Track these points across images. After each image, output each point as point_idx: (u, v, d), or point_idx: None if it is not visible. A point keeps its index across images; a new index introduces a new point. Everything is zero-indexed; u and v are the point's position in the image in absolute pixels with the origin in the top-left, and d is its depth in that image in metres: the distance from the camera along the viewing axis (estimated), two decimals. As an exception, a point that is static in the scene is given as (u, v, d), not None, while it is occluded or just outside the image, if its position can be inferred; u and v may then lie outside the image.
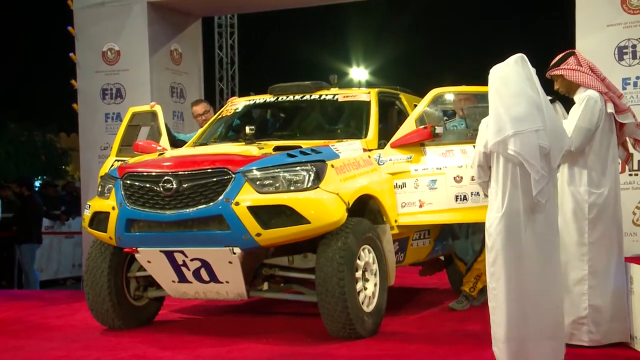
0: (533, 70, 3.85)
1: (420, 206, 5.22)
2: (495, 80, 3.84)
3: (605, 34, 6.22)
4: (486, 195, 3.96)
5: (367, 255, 4.79)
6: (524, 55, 3.87)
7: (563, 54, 4.38)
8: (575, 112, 4.25)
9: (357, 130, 5.52)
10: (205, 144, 5.70)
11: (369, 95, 5.69)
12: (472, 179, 5.10)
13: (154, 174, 4.75)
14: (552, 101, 5.52)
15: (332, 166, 4.72)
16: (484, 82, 5.85)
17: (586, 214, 4.19)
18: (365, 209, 5.08)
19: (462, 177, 5.18)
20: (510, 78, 3.78)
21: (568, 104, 4.53)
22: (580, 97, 4.25)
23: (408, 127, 5.31)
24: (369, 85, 22.47)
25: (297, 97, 5.86)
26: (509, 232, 3.75)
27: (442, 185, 5.21)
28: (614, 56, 6.17)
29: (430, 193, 5.23)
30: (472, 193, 5.14)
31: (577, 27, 6.29)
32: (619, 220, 4.29)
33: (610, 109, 4.19)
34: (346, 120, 5.85)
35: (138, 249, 4.77)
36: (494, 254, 3.78)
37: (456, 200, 5.17)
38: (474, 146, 5.47)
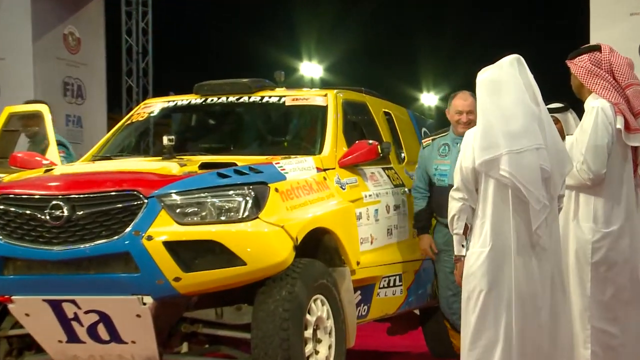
0: (531, 76, 3.94)
1: (371, 242, 5.40)
2: (486, 85, 3.93)
3: (627, 25, 6.37)
4: (458, 227, 4.00)
5: (319, 309, 4.79)
6: (521, 57, 3.97)
7: (585, 46, 4.48)
8: (584, 126, 4.32)
9: (309, 144, 5.56)
10: (109, 159, 5.65)
11: (326, 99, 5.73)
12: (396, 208, 5.62)
13: (37, 197, 4.68)
14: (564, 109, 5.66)
15: (276, 190, 4.73)
16: (465, 83, 5.91)
17: (589, 258, 4.28)
18: (319, 247, 5.10)
19: (389, 206, 5.65)
20: (505, 84, 3.89)
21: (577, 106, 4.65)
22: (588, 108, 4.33)
23: (340, 141, 5.52)
24: (324, 84, 22.70)
25: (232, 98, 5.86)
26: (497, 273, 3.82)
27: (382, 216, 5.57)
28: (638, 52, 6.30)
29: (376, 226, 5.50)
30: (395, 226, 5.66)
31: (592, 17, 6.45)
32: (635, 268, 4.35)
33: (620, 123, 4.29)
34: (295, 131, 5.90)
35: (13, 297, 4.67)
36: (479, 300, 3.84)
37: (388, 234, 5.63)
38: (383, 168, 5.78)
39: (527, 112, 3.87)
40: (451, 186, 4.05)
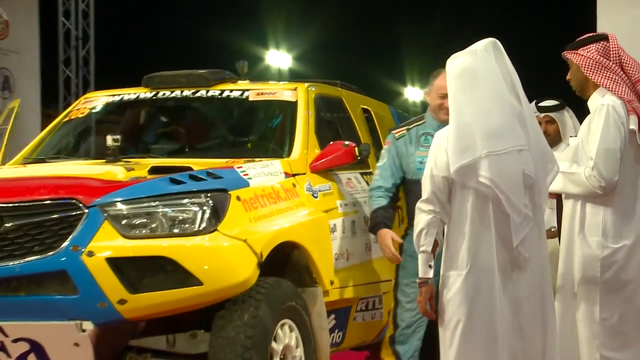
0: (510, 64, 3.92)
1: (347, 259, 5.41)
2: (458, 76, 3.90)
3: (638, 10, 6.42)
4: (426, 245, 3.96)
5: (287, 335, 4.80)
6: (497, 41, 3.94)
7: (590, 34, 4.46)
8: (592, 127, 4.31)
9: (276, 145, 5.57)
10: (43, 161, 5.63)
11: (295, 93, 5.75)
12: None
13: (-41, 206, 4.63)
14: (560, 107, 5.68)
15: (238, 198, 4.73)
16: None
17: (598, 277, 4.29)
18: (287, 264, 5.10)
19: (368, 217, 5.51)
20: (480, 74, 3.87)
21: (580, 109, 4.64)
22: (596, 105, 4.33)
23: (312, 142, 5.52)
24: (293, 76, 22.69)
25: (187, 92, 5.86)
26: (478, 300, 3.83)
27: (359, 229, 5.54)
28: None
29: (352, 240, 5.50)
30: (375, 240, 5.41)
31: (599, 1, 6.50)
32: None
33: (633, 123, 4.30)
34: (260, 130, 5.91)
35: None
36: (456, 332, 3.85)
37: (366, 250, 5.58)
38: (362, 173, 5.70)
39: (507, 107, 3.85)
40: None
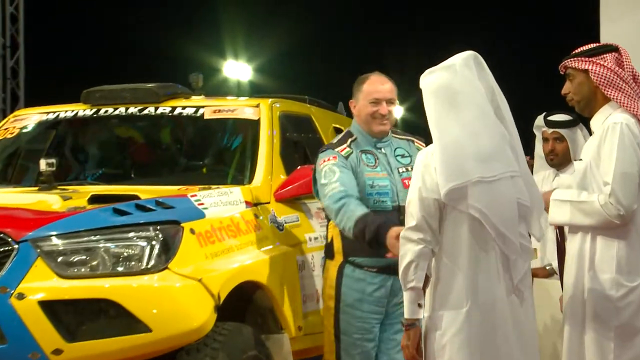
0: (492, 79, 3.93)
1: (317, 301, 5.40)
2: (437, 93, 3.90)
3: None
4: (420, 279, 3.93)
5: (249, 389, 4.80)
6: (478, 55, 3.96)
7: (599, 44, 4.43)
8: (604, 148, 4.29)
9: (236, 170, 5.58)
10: (-34, 189, 5.58)
11: (257, 110, 5.76)
12: None
13: None
14: (573, 123, 5.64)
15: (192, 232, 4.73)
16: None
17: (612, 319, 4.28)
18: (248, 307, 5.11)
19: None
20: (462, 92, 3.88)
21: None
22: (606, 124, 4.33)
23: (277, 166, 5.53)
24: (255, 89, 22.73)
25: (133, 110, 5.86)
26: (483, 339, 3.82)
27: None
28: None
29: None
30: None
31: (602, 6, 6.55)
32: None
33: None
34: (218, 153, 5.90)
35: None
36: None
37: None
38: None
39: (494, 128, 3.86)
40: (395, 208, 3.87)
